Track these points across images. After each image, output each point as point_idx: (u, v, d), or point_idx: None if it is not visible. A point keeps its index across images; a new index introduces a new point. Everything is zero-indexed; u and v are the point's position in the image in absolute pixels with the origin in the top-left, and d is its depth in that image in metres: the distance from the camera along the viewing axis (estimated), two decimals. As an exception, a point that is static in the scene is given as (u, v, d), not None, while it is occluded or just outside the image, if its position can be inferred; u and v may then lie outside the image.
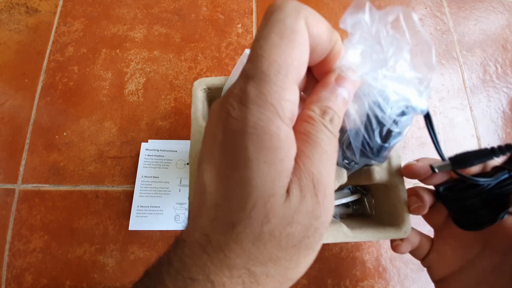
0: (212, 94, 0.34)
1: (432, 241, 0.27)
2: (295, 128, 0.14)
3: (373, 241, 0.45)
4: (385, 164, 0.31)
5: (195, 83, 0.33)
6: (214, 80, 0.33)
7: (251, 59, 0.13)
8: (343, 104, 0.15)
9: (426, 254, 0.27)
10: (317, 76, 0.17)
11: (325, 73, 0.16)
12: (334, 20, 0.58)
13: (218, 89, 0.33)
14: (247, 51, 0.30)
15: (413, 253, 0.28)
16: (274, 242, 0.13)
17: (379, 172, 0.31)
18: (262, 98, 0.12)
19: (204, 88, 0.33)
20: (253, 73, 0.12)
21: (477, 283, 0.23)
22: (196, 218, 0.14)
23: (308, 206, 0.13)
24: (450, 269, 0.25)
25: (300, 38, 0.12)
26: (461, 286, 0.24)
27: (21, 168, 0.47)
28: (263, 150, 0.12)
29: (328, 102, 0.14)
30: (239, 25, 0.57)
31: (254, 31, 0.56)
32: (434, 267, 0.26)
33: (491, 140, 0.52)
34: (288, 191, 0.13)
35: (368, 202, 0.40)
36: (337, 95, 0.15)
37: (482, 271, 0.23)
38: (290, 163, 0.13)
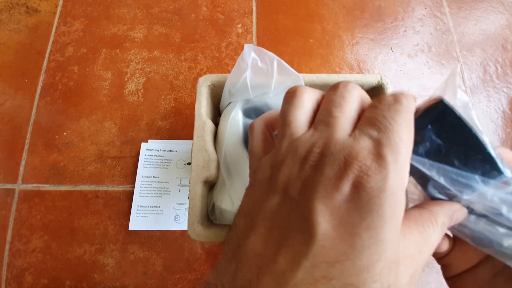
0: (216, 91, 0.34)
1: (451, 239, 0.27)
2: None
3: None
4: None
5: (200, 79, 0.33)
6: (219, 77, 0.33)
7: (380, 130, 0.14)
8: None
9: (446, 253, 0.27)
10: None
11: None
12: (334, 20, 0.58)
13: (223, 86, 0.33)
14: (247, 47, 0.30)
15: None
16: None
17: None
18: (398, 165, 0.13)
19: (209, 85, 0.33)
20: (386, 142, 0.13)
21: (493, 275, 0.23)
22: (280, 266, 0.12)
23: (411, 280, 0.13)
24: (468, 265, 0.25)
25: (413, 127, 0.14)
26: (477, 279, 0.24)
27: (21, 168, 0.47)
28: (395, 214, 0.13)
29: (445, 216, 0.16)
30: (239, 25, 0.57)
31: (254, 31, 0.56)
32: (453, 265, 0.26)
33: (491, 140, 0.52)
34: None
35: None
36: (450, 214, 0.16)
37: (498, 263, 0.24)
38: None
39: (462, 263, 0.25)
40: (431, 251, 0.15)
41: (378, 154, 0.13)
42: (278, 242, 0.13)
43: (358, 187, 0.13)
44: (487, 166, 0.16)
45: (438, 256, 0.27)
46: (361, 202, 0.13)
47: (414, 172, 0.16)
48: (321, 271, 0.12)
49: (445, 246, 0.26)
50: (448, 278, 0.27)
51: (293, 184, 0.14)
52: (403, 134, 0.13)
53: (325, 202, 0.13)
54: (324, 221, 0.13)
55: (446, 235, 0.27)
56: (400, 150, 0.13)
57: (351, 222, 0.12)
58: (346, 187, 0.13)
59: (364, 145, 0.13)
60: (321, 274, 0.12)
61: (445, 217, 0.16)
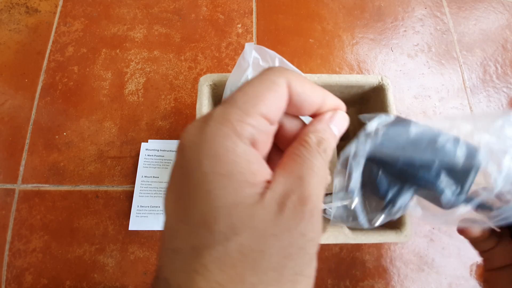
0: (218, 90, 0.34)
1: (495, 237, 0.28)
2: (289, 150, 0.15)
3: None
4: None
5: (201, 78, 0.33)
6: (220, 77, 0.33)
7: (232, 93, 0.14)
8: (333, 139, 0.16)
9: (490, 248, 0.28)
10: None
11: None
12: (334, 20, 0.58)
13: (224, 85, 0.33)
14: (248, 45, 0.30)
15: (477, 245, 0.28)
16: (246, 263, 0.12)
17: None
18: (224, 117, 0.13)
19: (210, 84, 0.33)
20: (226, 100, 0.14)
21: None
22: (158, 259, 0.13)
23: (290, 220, 0.12)
24: (508, 261, 0.26)
25: (276, 87, 0.14)
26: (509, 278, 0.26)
27: (21, 168, 0.47)
28: (218, 163, 0.12)
29: (323, 133, 0.15)
30: (239, 25, 0.57)
31: (254, 31, 0.56)
32: (495, 259, 0.27)
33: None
34: (262, 204, 0.12)
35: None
36: (331, 129, 0.16)
37: None
38: (253, 177, 0.13)
39: (503, 258, 0.26)
40: (323, 182, 0.14)
41: (207, 113, 0.14)
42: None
43: (179, 149, 0.14)
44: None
45: (482, 249, 0.27)
46: (184, 163, 0.14)
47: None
48: (169, 246, 0.13)
49: (492, 244, 0.26)
50: (488, 270, 0.28)
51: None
52: (248, 91, 0.14)
53: (168, 183, 0.14)
54: (168, 201, 0.14)
55: (493, 231, 0.27)
56: (233, 103, 0.14)
57: (180, 186, 0.14)
58: (177, 155, 0.14)
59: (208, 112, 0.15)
60: (171, 249, 0.13)
61: (320, 133, 0.15)
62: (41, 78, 0.52)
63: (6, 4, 0.57)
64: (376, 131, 0.18)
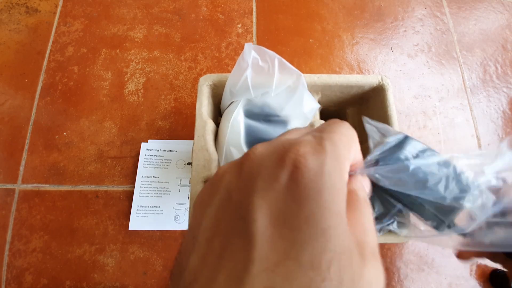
0: (217, 90, 0.34)
1: None
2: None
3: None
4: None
5: (201, 78, 0.33)
6: (220, 77, 0.33)
7: (323, 130, 0.14)
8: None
9: None
10: None
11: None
12: (334, 20, 0.58)
13: (224, 86, 0.33)
14: (247, 46, 0.30)
15: (496, 258, 0.26)
16: None
17: None
18: (335, 153, 0.13)
19: (210, 84, 0.33)
20: (326, 136, 0.13)
21: None
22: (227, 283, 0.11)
23: (371, 270, 0.11)
24: None
25: (356, 140, 0.15)
26: None
27: (21, 168, 0.47)
28: (336, 200, 0.12)
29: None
30: (239, 25, 0.57)
31: (254, 31, 0.56)
32: None
33: (491, 140, 0.52)
34: (364, 261, 0.12)
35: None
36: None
37: None
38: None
39: None
40: (374, 227, 0.14)
41: (317, 143, 0.13)
42: (219, 255, 0.11)
43: (295, 173, 0.12)
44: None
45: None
46: (299, 189, 0.11)
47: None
48: (263, 281, 0.10)
49: None
50: None
51: (234, 182, 0.13)
52: (343, 137, 0.14)
53: (263, 196, 0.12)
54: (261, 217, 0.11)
55: None
56: (338, 144, 0.13)
57: (289, 214, 0.11)
58: (284, 175, 0.12)
59: (306, 138, 0.13)
60: (263, 286, 0.10)
61: (363, 191, 0.16)
62: (41, 78, 0.52)
63: (6, 4, 0.57)
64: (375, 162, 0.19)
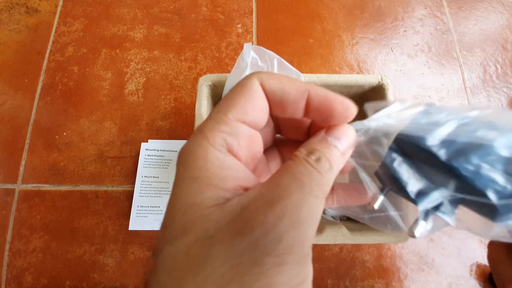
0: (217, 91, 0.34)
1: None
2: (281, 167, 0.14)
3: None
4: None
5: (201, 79, 0.33)
6: (219, 77, 0.33)
7: None
8: (337, 153, 0.14)
9: None
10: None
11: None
12: (334, 20, 0.58)
13: (223, 86, 0.33)
14: (246, 46, 0.30)
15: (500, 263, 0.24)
16: (189, 268, 0.10)
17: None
18: (199, 128, 0.14)
19: (209, 85, 0.33)
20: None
21: None
22: None
23: (247, 223, 0.11)
24: None
25: (247, 89, 0.14)
26: None
27: (21, 168, 0.47)
28: (188, 168, 0.13)
29: (316, 145, 0.14)
30: (239, 25, 0.57)
31: (254, 31, 0.56)
32: None
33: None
34: (222, 206, 0.12)
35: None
36: (329, 143, 0.14)
37: None
38: (222, 182, 0.12)
39: None
40: (311, 190, 0.12)
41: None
42: None
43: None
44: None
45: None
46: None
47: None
48: (156, 252, 0.12)
49: None
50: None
51: None
52: None
53: None
54: None
55: None
56: (208, 118, 0.14)
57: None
58: None
59: None
60: (155, 253, 0.12)
61: (313, 144, 0.14)
62: (41, 78, 0.52)
63: (6, 4, 0.57)
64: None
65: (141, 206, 0.45)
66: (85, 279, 0.43)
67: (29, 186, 0.46)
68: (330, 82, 0.34)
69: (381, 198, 0.16)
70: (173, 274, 0.11)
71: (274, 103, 0.14)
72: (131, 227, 0.44)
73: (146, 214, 0.45)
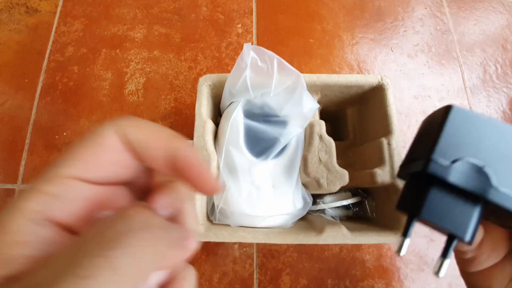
0: (217, 91, 0.34)
1: (482, 229, 0.24)
2: None
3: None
4: (387, 168, 0.31)
5: (201, 79, 0.33)
6: (219, 77, 0.33)
7: None
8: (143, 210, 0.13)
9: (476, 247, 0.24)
10: None
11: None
12: (334, 20, 0.58)
13: (223, 86, 0.33)
14: (246, 46, 0.30)
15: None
16: None
17: (381, 175, 0.31)
18: (28, 189, 0.12)
19: (209, 85, 0.33)
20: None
21: None
22: None
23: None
24: (495, 260, 0.23)
25: (94, 141, 0.12)
26: (504, 275, 0.23)
27: (21, 168, 0.47)
28: None
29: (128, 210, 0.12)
30: (239, 25, 0.57)
31: (254, 31, 0.56)
32: (478, 259, 0.24)
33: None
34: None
35: (368, 205, 0.40)
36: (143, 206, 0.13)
37: None
38: (15, 250, 0.11)
39: (489, 257, 0.22)
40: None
41: None
42: None
43: None
44: None
45: (464, 249, 0.23)
46: None
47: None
48: None
49: (479, 237, 0.22)
50: (469, 273, 0.23)
51: None
52: None
53: None
54: None
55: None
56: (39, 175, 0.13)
57: None
58: None
59: None
60: None
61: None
62: (41, 78, 0.52)
63: (6, 4, 0.57)
64: None
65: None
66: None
67: (29, 186, 0.46)
68: (330, 82, 0.34)
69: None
70: None
71: (136, 153, 0.13)
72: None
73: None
